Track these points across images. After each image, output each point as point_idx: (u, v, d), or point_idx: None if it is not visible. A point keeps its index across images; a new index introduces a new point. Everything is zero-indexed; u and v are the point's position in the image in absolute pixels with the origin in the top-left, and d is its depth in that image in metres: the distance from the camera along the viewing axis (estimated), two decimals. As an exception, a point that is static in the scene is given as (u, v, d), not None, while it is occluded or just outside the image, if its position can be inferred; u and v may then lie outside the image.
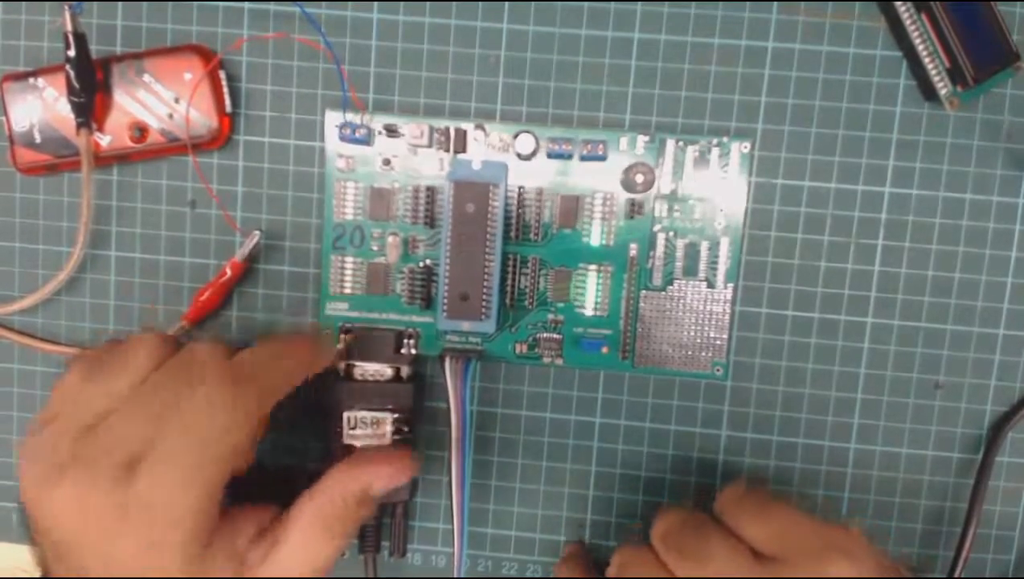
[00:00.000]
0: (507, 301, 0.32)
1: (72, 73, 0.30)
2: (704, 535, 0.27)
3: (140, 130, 0.32)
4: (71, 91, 0.30)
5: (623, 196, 0.32)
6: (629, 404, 0.33)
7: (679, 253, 0.32)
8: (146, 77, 0.31)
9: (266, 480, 0.28)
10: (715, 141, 0.31)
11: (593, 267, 0.32)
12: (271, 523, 0.27)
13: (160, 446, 0.24)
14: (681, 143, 0.31)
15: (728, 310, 0.32)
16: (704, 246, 0.32)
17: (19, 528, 0.31)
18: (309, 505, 0.27)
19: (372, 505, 0.28)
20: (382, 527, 0.33)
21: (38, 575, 0.29)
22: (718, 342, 0.32)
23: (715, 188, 0.31)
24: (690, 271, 0.32)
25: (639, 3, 0.31)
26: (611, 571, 0.29)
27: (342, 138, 0.32)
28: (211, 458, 0.25)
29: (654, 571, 0.27)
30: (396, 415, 0.31)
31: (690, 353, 0.32)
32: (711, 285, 0.32)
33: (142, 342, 0.27)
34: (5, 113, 0.32)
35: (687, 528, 0.27)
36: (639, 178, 0.31)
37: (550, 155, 0.31)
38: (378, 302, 0.32)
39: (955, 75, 0.30)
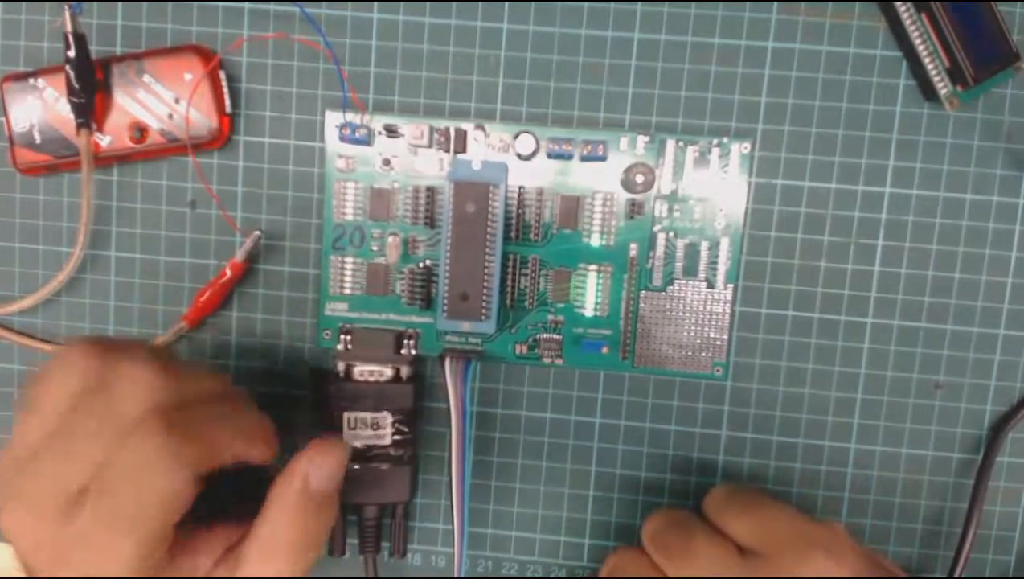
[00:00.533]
0: (507, 301, 0.32)
1: (72, 73, 0.30)
2: (690, 533, 0.28)
3: (140, 130, 0.32)
4: (71, 91, 0.30)
5: (623, 196, 0.32)
6: (629, 404, 0.33)
7: (679, 253, 0.32)
8: (146, 77, 0.31)
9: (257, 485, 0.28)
10: (715, 141, 0.31)
11: (593, 267, 0.32)
12: (239, 541, 0.27)
13: (97, 490, 0.24)
14: (681, 143, 0.31)
15: (728, 310, 0.32)
16: (704, 246, 0.32)
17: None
18: (263, 522, 0.26)
19: (325, 504, 0.27)
20: (382, 527, 0.33)
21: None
22: (718, 342, 0.32)
23: (715, 188, 0.31)
24: (690, 271, 0.32)
25: (639, 3, 0.31)
26: (603, 572, 0.29)
27: (342, 138, 0.32)
28: (146, 511, 0.24)
29: (644, 570, 0.28)
30: (396, 415, 0.31)
31: (690, 353, 0.32)
32: (711, 285, 0.32)
33: (62, 364, 0.26)
34: (5, 113, 0.32)
35: (674, 527, 0.28)
36: (639, 178, 0.31)
37: (550, 155, 0.31)
38: (378, 302, 0.32)
39: (955, 75, 0.30)
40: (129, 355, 0.26)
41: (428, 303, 0.32)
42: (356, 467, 0.31)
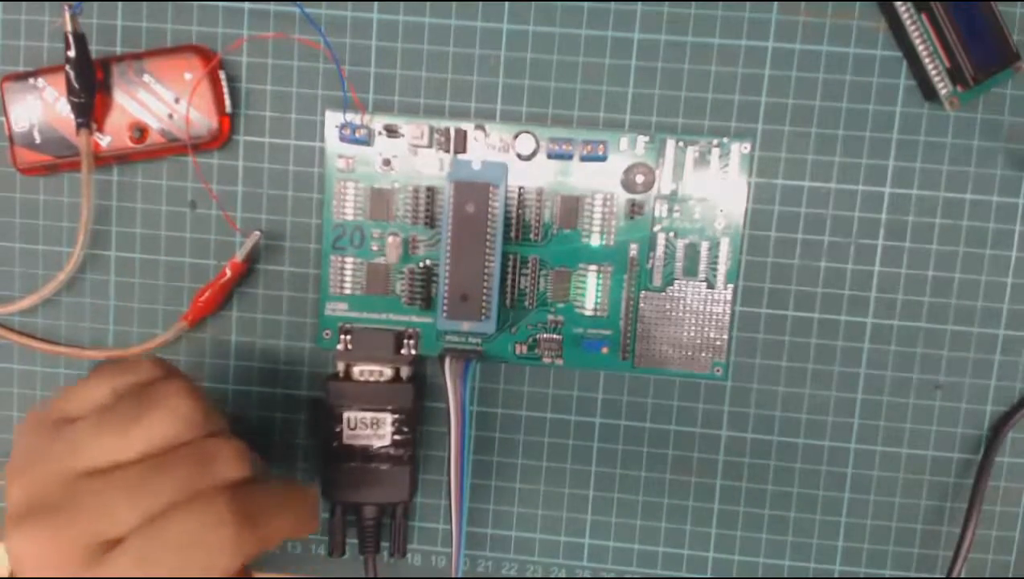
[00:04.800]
0: (507, 301, 0.32)
1: (72, 73, 0.30)
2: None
3: (140, 130, 0.32)
4: (71, 91, 0.30)
5: (623, 196, 0.32)
6: (629, 404, 0.33)
7: (679, 253, 0.32)
8: (146, 77, 0.31)
9: None
10: (715, 141, 0.31)
11: (593, 267, 0.32)
12: None
13: (140, 546, 0.22)
14: (681, 143, 0.31)
15: (728, 310, 0.32)
16: (704, 246, 0.32)
17: None
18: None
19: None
20: (382, 527, 0.33)
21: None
22: (718, 342, 0.32)
23: (715, 188, 0.31)
24: (690, 271, 0.32)
25: (639, 3, 0.31)
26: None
27: (342, 138, 0.32)
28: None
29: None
30: (396, 415, 0.31)
31: (690, 353, 0.32)
32: (711, 285, 0.32)
33: (167, 401, 0.24)
34: (5, 113, 0.32)
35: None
36: (639, 178, 0.31)
37: (550, 155, 0.31)
38: (378, 302, 0.32)
39: (955, 75, 0.30)
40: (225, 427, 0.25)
41: (428, 303, 0.32)
42: (356, 467, 0.31)
